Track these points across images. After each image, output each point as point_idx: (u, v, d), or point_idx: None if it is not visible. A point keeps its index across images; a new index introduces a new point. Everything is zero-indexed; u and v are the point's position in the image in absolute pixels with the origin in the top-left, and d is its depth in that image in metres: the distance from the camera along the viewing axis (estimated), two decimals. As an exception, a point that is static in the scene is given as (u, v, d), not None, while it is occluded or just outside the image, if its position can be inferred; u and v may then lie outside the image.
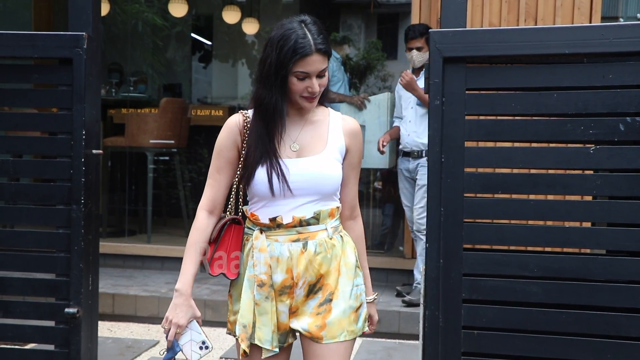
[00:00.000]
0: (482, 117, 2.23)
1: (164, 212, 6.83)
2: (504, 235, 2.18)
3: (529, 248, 2.26)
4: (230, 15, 8.13)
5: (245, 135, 1.91)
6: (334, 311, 1.87)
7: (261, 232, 1.89)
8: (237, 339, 1.89)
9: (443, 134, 2.16)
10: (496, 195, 2.18)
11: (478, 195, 2.26)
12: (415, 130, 4.53)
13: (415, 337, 4.03)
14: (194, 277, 1.89)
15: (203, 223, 1.94)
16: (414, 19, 4.81)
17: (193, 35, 9.69)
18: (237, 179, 1.97)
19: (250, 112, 1.93)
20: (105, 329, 4.32)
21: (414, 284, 4.48)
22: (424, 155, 4.46)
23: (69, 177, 2.42)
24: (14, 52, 2.45)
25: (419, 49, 4.51)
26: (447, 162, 2.16)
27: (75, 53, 2.40)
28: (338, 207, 1.95)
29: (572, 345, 2.12)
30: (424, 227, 4.35)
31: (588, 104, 2.09)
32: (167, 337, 1.85)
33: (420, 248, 4.44)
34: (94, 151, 2.48)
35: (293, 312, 1.90)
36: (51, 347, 2.48)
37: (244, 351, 1.88)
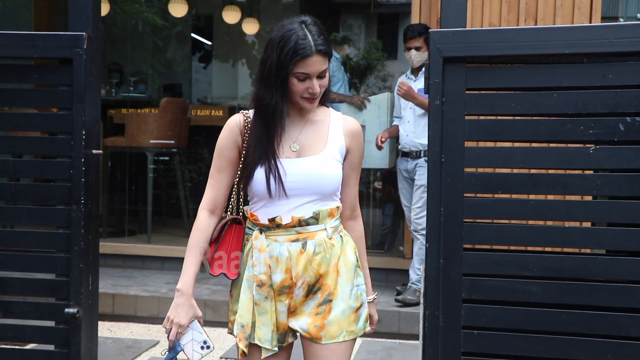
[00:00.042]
0: (482, 117, 2.23)
1: (164, 212, 6.83)
2: (504, 235, 2.18)
3: (529, 248, 2.26)
4: (231, 15, 8.13)
5: (246, 135, 1.91)
6: (333, 312, 1.87)
7: (261, 232, 1.89)
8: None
9: (443, 134, 2.16)
10: (496, 195, 2.18)
11: (478, 195, 2.26)
12: (413, 130, 4.53)
13: (415, 337, 4.03)
14: (195, 277, 1.90)
15: (204, 223, 1.94)
16: (414, 19, 4.81)
17: (193, 35, 9.70)
18: (237, 179, 1.97)
19: (251, 112, 1.93)
20: (106, 329, 4.32)
21: (409, 284, 4.48)
22: (422, 155, 4.46)
23: (69, 177, 2.42)
24: (14, 52, 2.45)
25: (417, 49, 4.51)
26: (447, 162, 2.16)
27: (75, 53, 2.40)
28: (338, 207, 1.95)
29: (572, 345, 2.12)
30: (421, 227, 4.37)
31: (588, 104, 2.09)
32: (168, 337, 1.86)
33: (417, 248, 4.45)
34: (94, 151, 2.48)
35: (292, 312, 1.90)
36: (51, 347, 2.48)
37: (242, 351, 1.89)
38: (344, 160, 1.96)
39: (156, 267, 5.37)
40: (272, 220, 1.88)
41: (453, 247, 2.16)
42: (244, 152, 1.92)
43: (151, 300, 4.51)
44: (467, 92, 2.16)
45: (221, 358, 3.73)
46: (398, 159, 4.76)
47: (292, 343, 1.96)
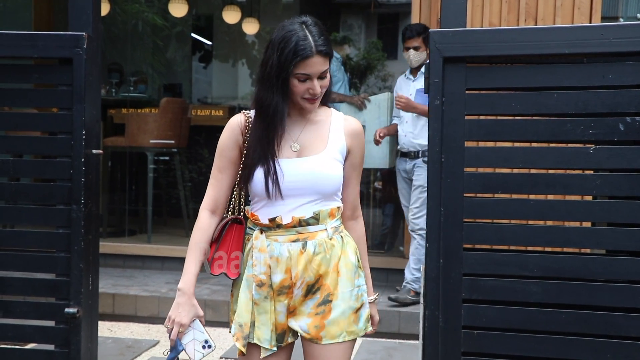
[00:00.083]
0: (482, 117, 2.23)
1: (164, 212, 6.83)
2: (504, 235, 2.18)
3: (529, 248, 2.26)
4: (231, 15, 8.13)
5: (247, 135, 1.91)
6: (333, 312, 1.88)
7: (261, 232, 1.90)
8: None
9: (443, 134, 2.16)
10: (496, 195, 2.18)
11: (478, 195, 2.26)
12: (411, 130, 4.53)
13: (415, 337, 4.03)
14: (196, 277, 1.90)
15: (205, 223, 1.94)
16: (414, 19, 4.81)
17: (193, 35, 9.70)
18: (238, 179, 1.97)
19: (252, 113, 1.93)
20: (106, 329, 4.32)
21: (404, 283, 4.48)
22: (420, 155, 4.46)
23: (69, 177, 2.42)
24: (14, 52, 2.45)
25: (416, 49, 4.50)
26: (447, 162, 2.16)
27: (75, 53, 2.40)
28: (339, 208, 1.95)
29: (572, 345, 2.12)
30: (419, 227, 4.37)
31: (588, 104, 2.09)
32: (170, 336, 1.86)
33: (413, 247, 4.45)
34: (94, 151, 2.48)
35: (291, 312, 1.90)
36: (51, 347, 2.49)
37: (240, 351, 1.89)
38: (345, 160, 1.96)
39: (156, 267, 5.37)
40: (272, 220, 1.88)
41: (453, 247, 2.16)
42: (244, 152, 1.92)
43: (151, 300, 4.51)
44: (467, 92, 2.16)
45: (221, 358, 3.73)
46: (397, 159, 4.77)
47: (292, 343, 1.96)
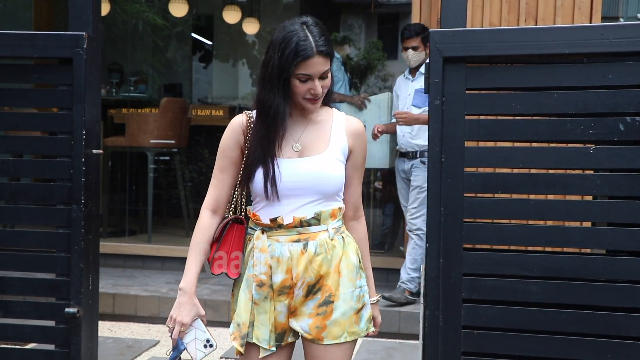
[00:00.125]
0: (482, 117, 2.23)
1: (165, 212, 6.83)
2: (504, 235, 2.18)
3: (529, 248, 2.26)
4: (231, 15, 8.13)
5: (249, 135, 1.91)
6: (335, 313, 1.87)
7: (263, 232, 1.90)
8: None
9: (443, 134, 2.16)
10: (496, 195, 2.18)
11: (478, 195, 2.26)
12: (409, 131, 4.52)
13: (415, 337, 4.03)
14: (197, 276, 1.90)
15: (206, 223, 1.95)
16: (414, 19, 4.81)
17: (193, 35, 9.70)
18: (239, 179, 1.97)
19: (254, 113, 1.93)
20: (106, 329, 4.32)
21: (399, 283, 4.48)
22: (418, 156, 4.46)
23: (69, 177, 2.42)
24: (14, 52, 2.45)
25: (414, 49, 4.50)
26: (447, 162, 2.16)
27: (76, 53, 2.40)
28: (340, 208, 1.95)
29: (572, 345, 2.12)
30: (416, 227, 4.38)
31: (588, 104, 2.09)
32: (171, 336, 1.86)
33: (410, 247, 4.45)
34: (94, 151, 2.48)
35: (292, 312, 1.90)
36: (51, 347, 2.49)
37: (238, 350, 1.89)
38: (347, 160, 1.96)
39: (156, 267, 5.37)
40: (273, 220, 1.88)
41: (453, 247, 2.16)
42: (246, 152, 1.92)
43: (151, 300, 4.51)
44: (467, 92, 2.16)
45: (221, 358, 3.73)
46: (396, 160, 4.76)
47: (292, 343, 1.96)
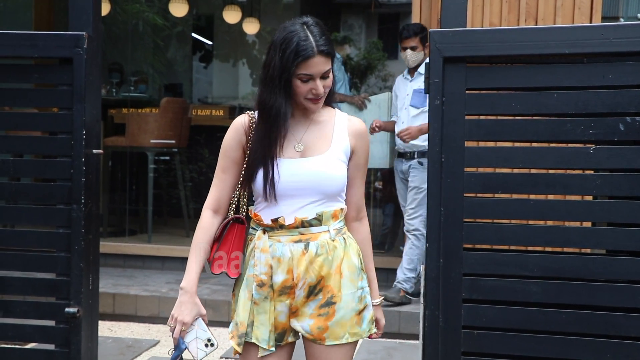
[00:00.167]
0: (482, 117, 2.23)
1: (165, 212, 6.83)
2: (504, 235, 2.18)
3: (529, 248, 2.26)
4: (231, 15, 8.13)
5: (251, 136, 1.91)
6: (337, 314, 1.88)
7: (264, 233, 1.90)
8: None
9: (443, 134, 2.16)
10: (496, 195, 2.18)
11: (478, 195, 2.26)
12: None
13: (415, 337, 4.03)
14: (198, 276, 1.90)
15: (208, 222, 1.95)
16: (415, 19, 4.81)
17: (194, 35, 9.70)
18: (241, 180, 1.97)
19: (256, 113, 1.93)
20: (106, 329, 4.32)
21: (395, 282, 4.48)
22: (415, 156, 4.44)
23: (69, 176, 2.42)
24: (14, 52, 2.45)
25: (413, 49, 4.49)
26: (447, 162, 2.16)
27: (76, 53, 2.40)
28: (342, 209, 1.94)
29: (572, 345, 2.12)
30: (414, 227, 4.38)
31: (588, 104, 2.09)
32: (173, 335, 1.86)
33: (407, 247, 4.45)
34: (94, 151, 2.48)
35: (293, 313, 1.90)
36: (51, 347, 2.49)
37: (235, 350, 1.90)
38: (349, 160, 1.96)
39: (157, 267, 5.37)
40: (275, 220, 1.88)
41: (453, 247, 2.16)
42: (248, 152, 1.92)
43: (151, 300, 4.51)
44: (467, 92, 2.16)
45: (221, 358, 3.73)
46: (395, 160, 4.76)
47: (292, 343, 1.96)
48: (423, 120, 4.36)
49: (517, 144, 2.29)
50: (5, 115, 2.75)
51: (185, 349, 1.86)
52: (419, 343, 2.27)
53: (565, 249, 2.30)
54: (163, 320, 4.38)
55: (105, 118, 6.44)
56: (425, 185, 4.30)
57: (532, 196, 2.41)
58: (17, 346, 2.81)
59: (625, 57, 2.07)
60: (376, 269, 2.07)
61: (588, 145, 2.13)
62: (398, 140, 4.60)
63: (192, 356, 1.88)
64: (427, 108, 4.42)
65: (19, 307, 2.49)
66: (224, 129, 1.98)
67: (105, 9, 6.80)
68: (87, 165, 2.42)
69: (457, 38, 2.15)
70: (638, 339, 2.08)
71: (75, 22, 2.47)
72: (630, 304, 2.08)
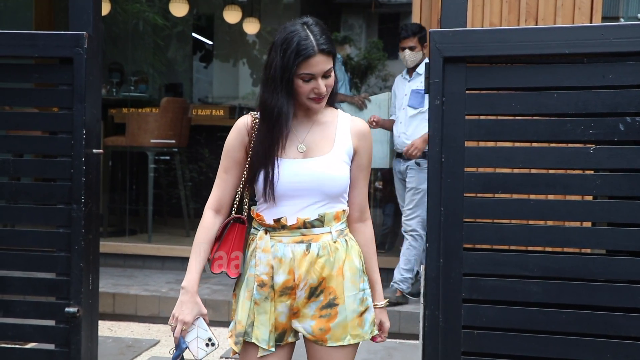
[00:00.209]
0: (482, 117, 2.23)
1: (165, 211, 6.83)
2: (504, 235, 2.18)
3: (529, 248, 2.26)
4: (231, 15, 8.13)
5: (253, 136, 1.91)
6: (339, 316, 1.88)
7: (266, 233, 1.90)
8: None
9: (443, 134, 2.16)
10: (496, 195, 2.18)
11: (478, 195, 2.26)
12: (404, 131, 4.50)
13: (415, 337, 4.03)
14: (200, 275, 1.91)
15: (209, 222, 1.95)
16: (415, 19, 4.81)
17: (194, 34, 9.70)
18: (243, 180, 1.97)
19: (259, 114, 1.93)
20: (106, 329, 4.33)
21: (391, 283, 4.48)
22: None
23: (70, 176, 2.42)
24: (14, 52, 2.45)
25: (411, 49, 4.48)
26: (447, 162, 2.16)
27: (76, 52, 2.40)
28: (344, 211, 1.94)
29: (572, 345, 2.12)
30: (411, 228, 4.38)
31: (588, 104, 2.09)
32: (174, 334, 1.86)
33: (404, 248, 4.45)
34: (94, 150, 2.48)
35: (295, 313, 1.90)
36: (51, 347, 2.49)
37: (233, 349, 1.90)
38: (352, 161, 1.96)
39: (157, 267, 5.37)
40: (277, 221, 1.88)
41: (453, 247, 2.16)
42: (250, 152, 1.92)
43: (152, 300, 4.51)
44: (467, 92, 2.16)
45: (221, 358, 3.73)
46: (393, 160, 4.76)
47: (292, 343, 1.96)
48: (420, 120, 4.37)
49: (517, 144, 2.29)
50: (6, 115, 2.75)
51: (186, 348, 1.86)
52: (419, 343, 2.27)
53: (566, 249, 2.30)
54: (163, 320, 4.38)
55: (106, 118, 6.44)
56: (423, 186, 4.35)
57: (532, 196, 2.41)
58: (17, 346, 2.81)
59: (625, 57, 2.07)
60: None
61: (588, 145, 2.13)
62: (396, 140, 4.60)
63: (193, 355, 1.88)
64: (424, 109, 4.47)
65: (19, 307, 2.49)
66: (224, 129, 1.98)
67: (106, 8, 6.81)
68: (87, 165, 2.42)
69: (457, 38, 2.15)
70: (638, 339, 2.08)
71: (76, 22, 2.47)
72: (630, 304, 2.08)
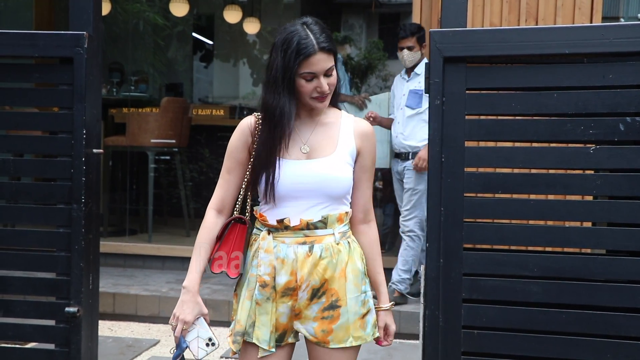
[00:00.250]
0: (482, 117, 2.23)
1: (165, 211, 6.83)
2: (504, 235, 2.18)
3: (529, 248, 2.26)
4: (232, 15, 8.14)
5: (256, 137, 1.91)
6: (342, 317, 1.88)
7: (269, 233, 1.89)
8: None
9: (443, 134, 2.16)
10: (496, 195, 2.18)
11: (478, 195, 2.26)
12: (402, 132, 4.50)
13: (415, 337, 4.03)
14: (201, 275, 1.91)
15: (211, 222, 1.95)
16: (415, 19, 4.81)
17: (194, 34, 9.70)
18: (245, 180, 1.97)
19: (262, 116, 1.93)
20: (106, 328, 4.33)
21: (389, 283, 4.47)
22: (410, 157, 4.43)
23: (70, 176, 2.42)
24: (14, 51, 2.46)
25: (410, 49, 4.47)
26: (447, 162, 2.16)
27: (76, 52, 2.40)
28: (347, 213, 1.94)
29: (572, 345, 2.12)
30: (408, 229, 4.38)
31: (588, 104, 2.09)
32: (174, 334, 1.86)
33: (402, 249, 4.45)
34: (94, 150, 2.48)
35: (296, 315, 1.90)
36: (51, 346, 2.49)
37: (232, 349, 1.90)
38: (355, 162, 1.95)
39: (157, 267, 5.37)
40: (280, 221, 1.88)
41: (453, 247, 2.16)
42: (253, 153, 1.92)
43: (152, 300, 4.51)
44: (467, 92, 2.16)
45: (221, 358, 3.73)
46: (392, 160, 4.76)
47: (292, 344, 1.96)
48: (418, 121, 4.38)
49: (517, 144, 2.29)
50: (6, 115, 2.76)
51: (186, 347, 1.86)
52: (419, 343, 2.27)
53: (566, 249, 2.30)
54: (163, 319, 4.38)
55: (106, 118, 6.44)
56: (420, 187, 4.35)
57: (532, 196, 2.41)
58: (17, 346, 2.81)
59: (625, 57, 2.07)
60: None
61: (588, 145, 2.13)
62: (394, 141, 4.60)
63: (193, 355, 1.88)
64: (422, 109, 4.46)
65: (19, 307, 2.49)
66: (225, 129, 1.98)
67: (106, 8, 6.81)
68: (87, 165, 2.42)
69: (457, 38, 2.15)
70: (638, 339, 2.08)
71: (76, 22, 2.47)
72: (630, 304, 2.08)
